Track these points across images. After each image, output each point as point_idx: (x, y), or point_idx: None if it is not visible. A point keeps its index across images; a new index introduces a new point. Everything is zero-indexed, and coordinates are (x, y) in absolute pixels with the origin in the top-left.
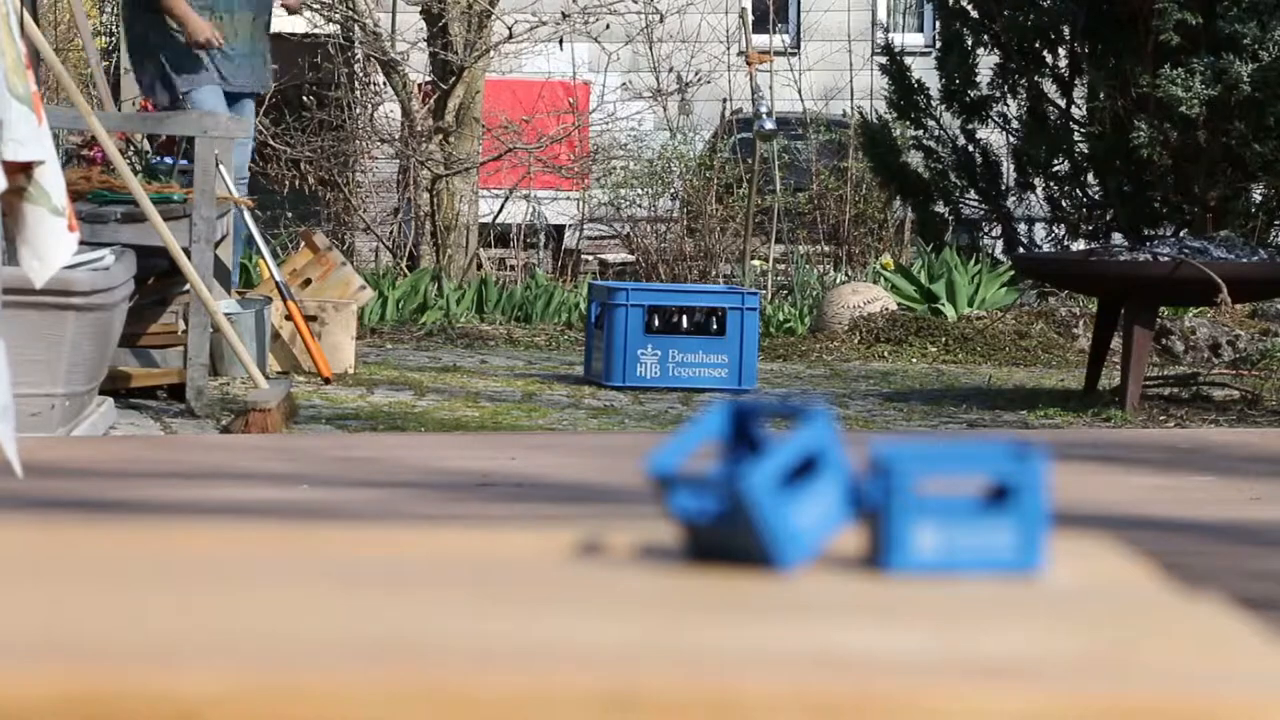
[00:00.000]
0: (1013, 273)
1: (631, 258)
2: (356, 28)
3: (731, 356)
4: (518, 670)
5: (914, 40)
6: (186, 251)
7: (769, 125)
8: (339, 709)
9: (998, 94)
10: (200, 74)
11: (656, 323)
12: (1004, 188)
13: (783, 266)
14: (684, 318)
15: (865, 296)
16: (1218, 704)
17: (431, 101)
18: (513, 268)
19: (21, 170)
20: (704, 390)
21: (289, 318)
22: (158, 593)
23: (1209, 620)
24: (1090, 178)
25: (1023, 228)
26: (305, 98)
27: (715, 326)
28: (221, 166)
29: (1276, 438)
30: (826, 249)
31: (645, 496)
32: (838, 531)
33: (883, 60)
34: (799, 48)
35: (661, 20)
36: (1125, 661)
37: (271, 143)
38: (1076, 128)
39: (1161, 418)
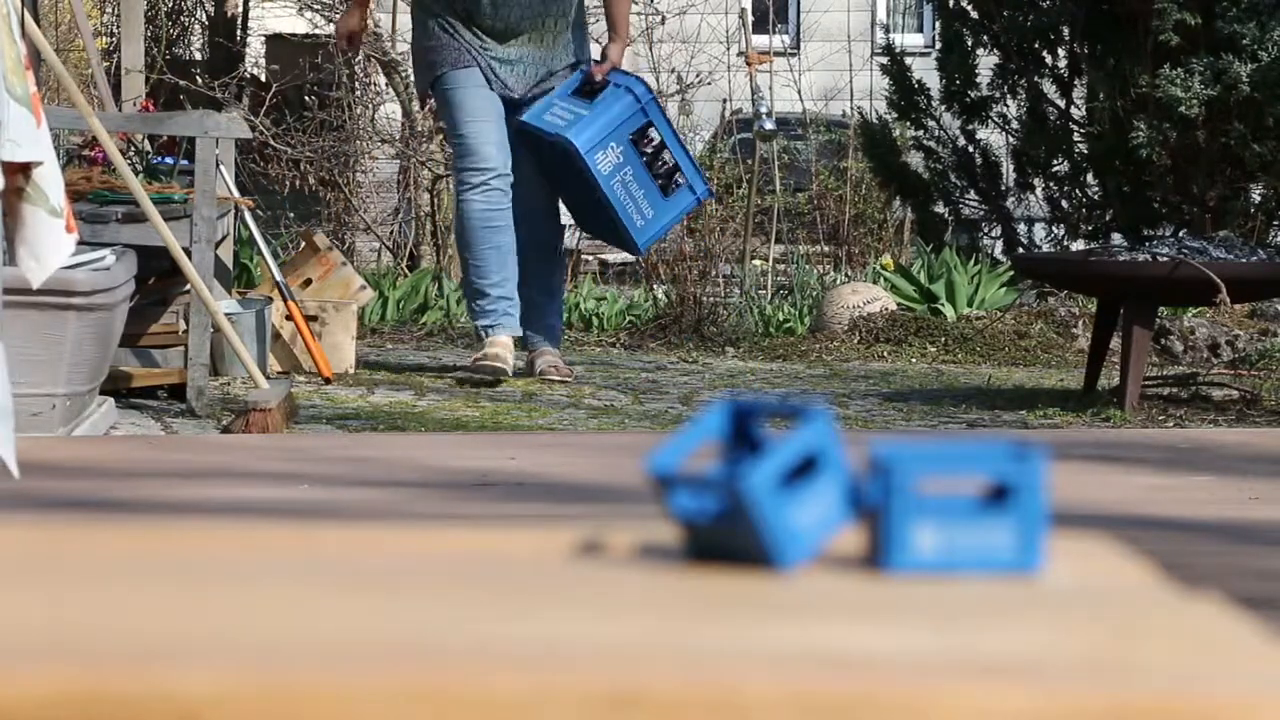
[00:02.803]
0: (1012, 273)
1: (631, 258)
2: None
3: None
4: (518, 670)
5: (914, 40)
6: (187, 251)
7: (769, 125)
8: (339, 709)
9: (997, 94)
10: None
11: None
12: (1004, 188)
13: (783, 266)
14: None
15: (865, 296)
16: (1217, 704)
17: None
18: None
19: (20, 171)
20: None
21: (289, 318)
22: (158, 592)
23: (1209, 620)
24: (1090, 178)
25: (1022, 228)
26: (306, 98)
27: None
28: (222, 166)
29: (1276, 438)
30: (826, 249)
31: (645, 496)
32: (838, 531)
33: (883, 60)
34: (799, 48)
35: (662, 21)
36: (1125, 661)
37: (272, 143)
38: (1076, 128)
39: (1161, 418)
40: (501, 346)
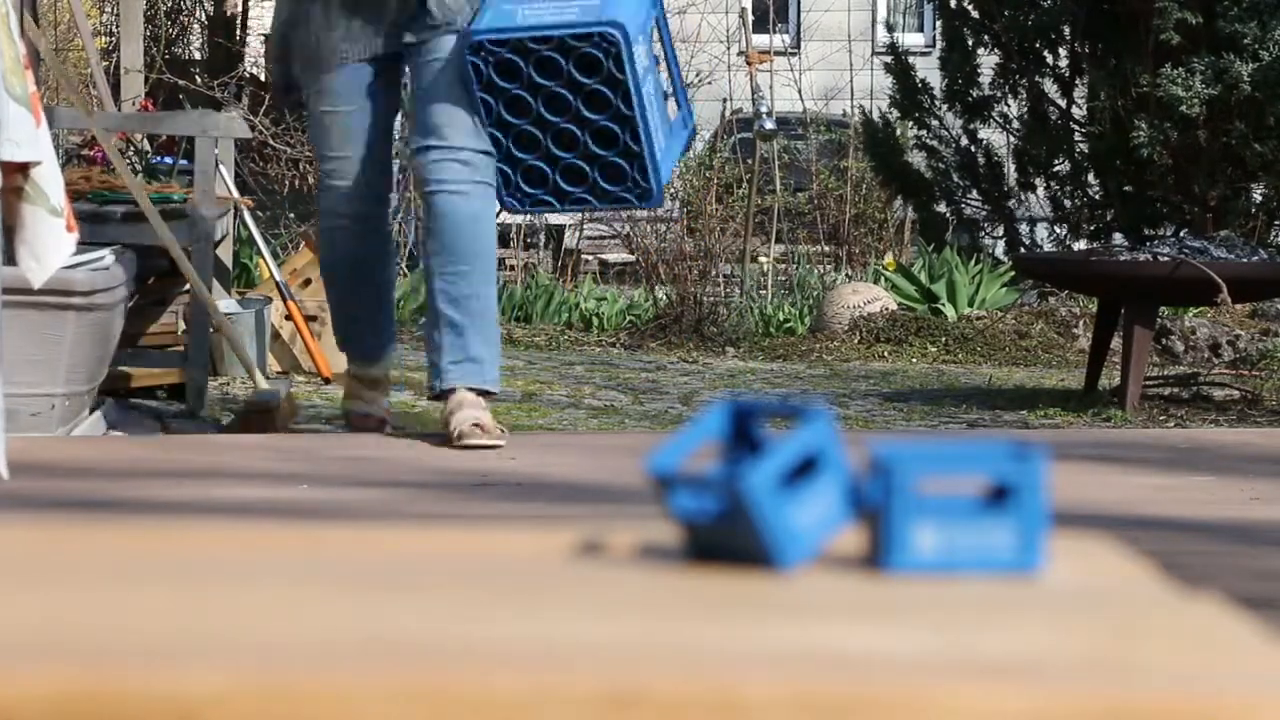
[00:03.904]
0: (1013, 273)
1: (631, 258)
2: None
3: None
4: (517, 670)
5: (914, 40)
6: (187, 251)
7: (769, 125)
8: (339, 709)
9: (998, 94)
10: None
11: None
12: (1006, 188)
13: (783, 266)
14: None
15: (865, 296)
16: (1217, 703)
17: None
18: (513, 268)
19: (19, 171)
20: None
21: (289, 318)
22: (158, 592)
23: (1209, 620)
24: (1091, 177)
25: (1024, 228)
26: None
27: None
28: (222, 166)
29: (1277, 437)
30: (826, 249)
31: (645, 496)
32: (838, 531)
33: (887, 60)
34: (799, 48)
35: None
36: (1125, 661)
37: (271, 143)
38: (1077, 127)
39: (1161, 418)
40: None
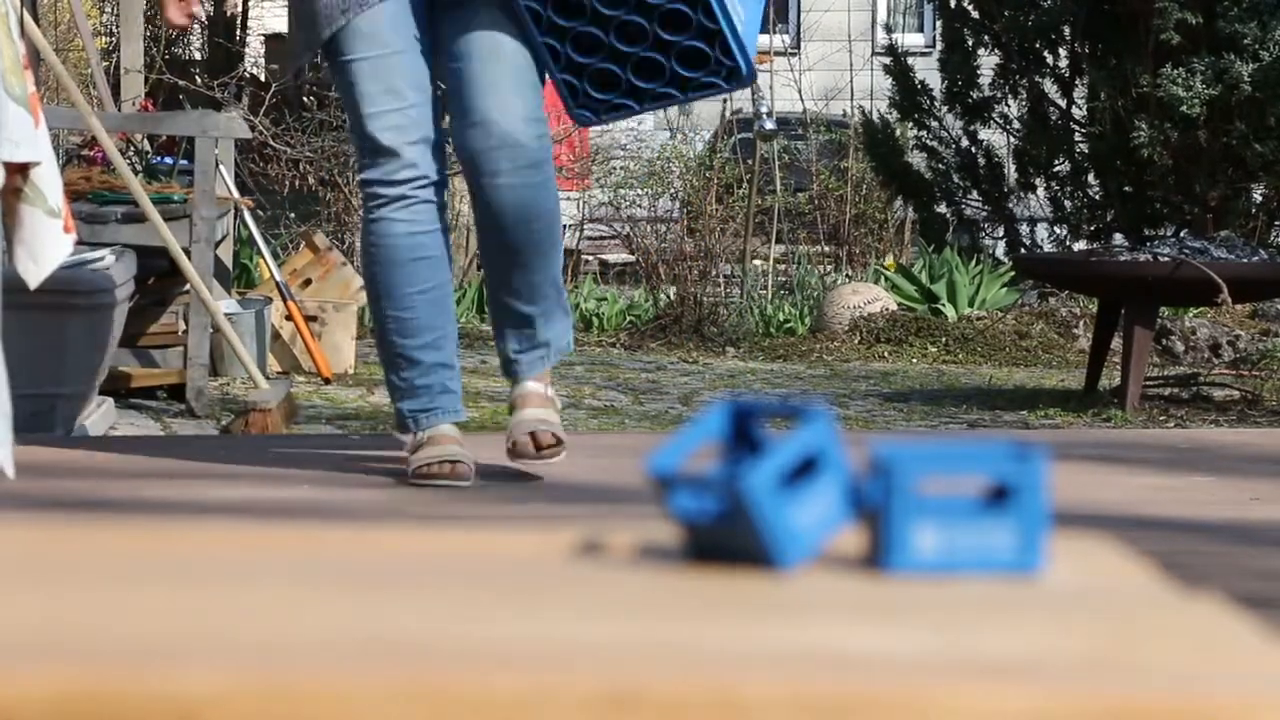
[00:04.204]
0: (1013, 273)
1: (631, 258)
2: None
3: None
4: (517, 670)
5: (914, 40)
6: (187, 251)
7: (769, 125)
8: (338, 709)
9: (999, 95)
10: None
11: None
12: (1006, 189)
13: (783, 266)
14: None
15: (865, 296)
16: (1217, 703)
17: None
18: None
19: (18, 171)
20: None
21: (289, 318)
22: (158, 592)
23: (1209, 620)
24: (1091, 178)
25: (1025, 228)
26: (305, 98)
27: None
28: (222, 167)
29: (1277, 438)
30: (827, 249)
31: (645, 496)
32: (838, 531)
33: (885, 60)
34: (799, 48)
35: None
36: (1125, 661)
37: (271, 143)
38: (1077, 128)
39: (1161, 418)
40: (447, 440)
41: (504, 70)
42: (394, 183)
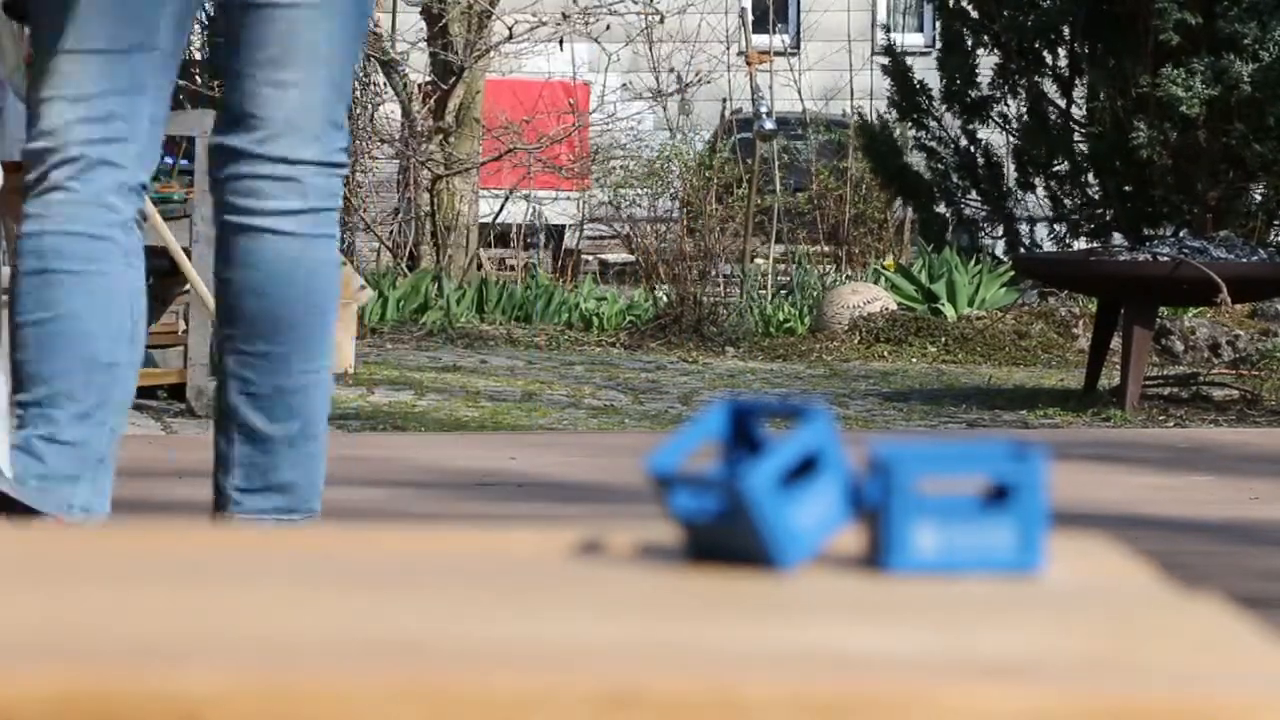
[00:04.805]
0: (1013, 273)
1: (631, 257)
2: None
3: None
4: (517, 670)
5: (914, 40)
6: (187, 251)
7: (769, 125)
8: (338, 709)
9: (998, 94)
10: None
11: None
12: (1006, 188)
13: (782, 266)
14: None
15: (865, 296)
16: (1217, 703)
17: (432, 102)
18: (513, 268)
19: (20, 170)
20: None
21: None
22: (158, 592)
23: (1209, 620)
24: (1090, 178)
25: (1024, 227)
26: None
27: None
28: None
29: (1276, 437)
30: (826, 249)
31: (645, 496)
32: (838, 531)
33: (884, 60)
34: (799, 48)
35: (661, 21)
36: (1125, 661)
37: None
38: (1076, 128)
39: (1161, 417)
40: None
41: (303, 56)
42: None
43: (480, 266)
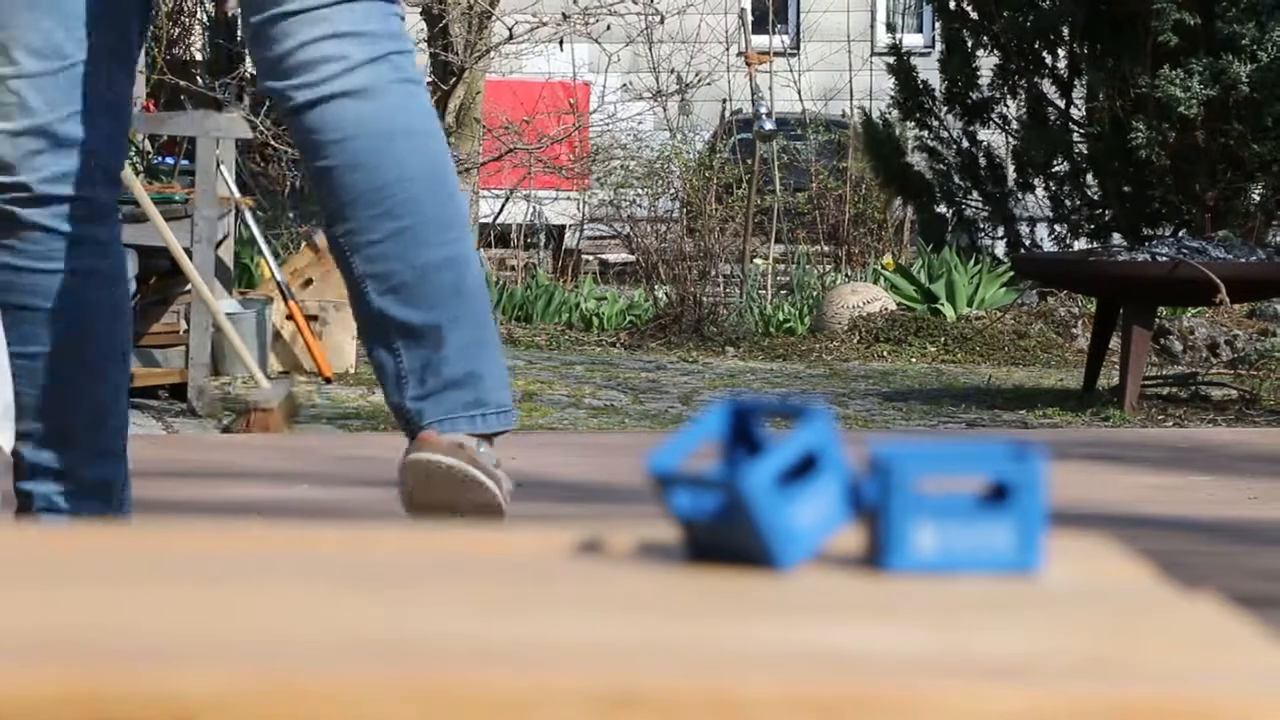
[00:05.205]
0: (1012, 273)
1: (632, 257)
2: None
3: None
4: (517, 669)
5: (913, 41)
6: (188, 251)
7: (768, 126)
8: (338, 709)
9: (998, 95)
10: None
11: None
12: (1006, 189)
13: (782, 266)
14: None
15: (865, 296)
16: (1216, 703)
17: (433, 103)
18: (513, 268)
19: None
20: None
21: (290, 318)
22: (157, 592)
23: (1208, 619)
24: (1090, 178)
25: (1024, 228)
26: None
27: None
28: (223, 166)
29: (1275, 437)
30: (826, 249)
31: (645, 496)
32: (837, 531)
33: (888, 60)
34: (798, 48)
35: (661, 21)
36: (1124, 660)
37: (272, 143)
38: (1076, 128)
39: (1160, 417)
40: None
41: None
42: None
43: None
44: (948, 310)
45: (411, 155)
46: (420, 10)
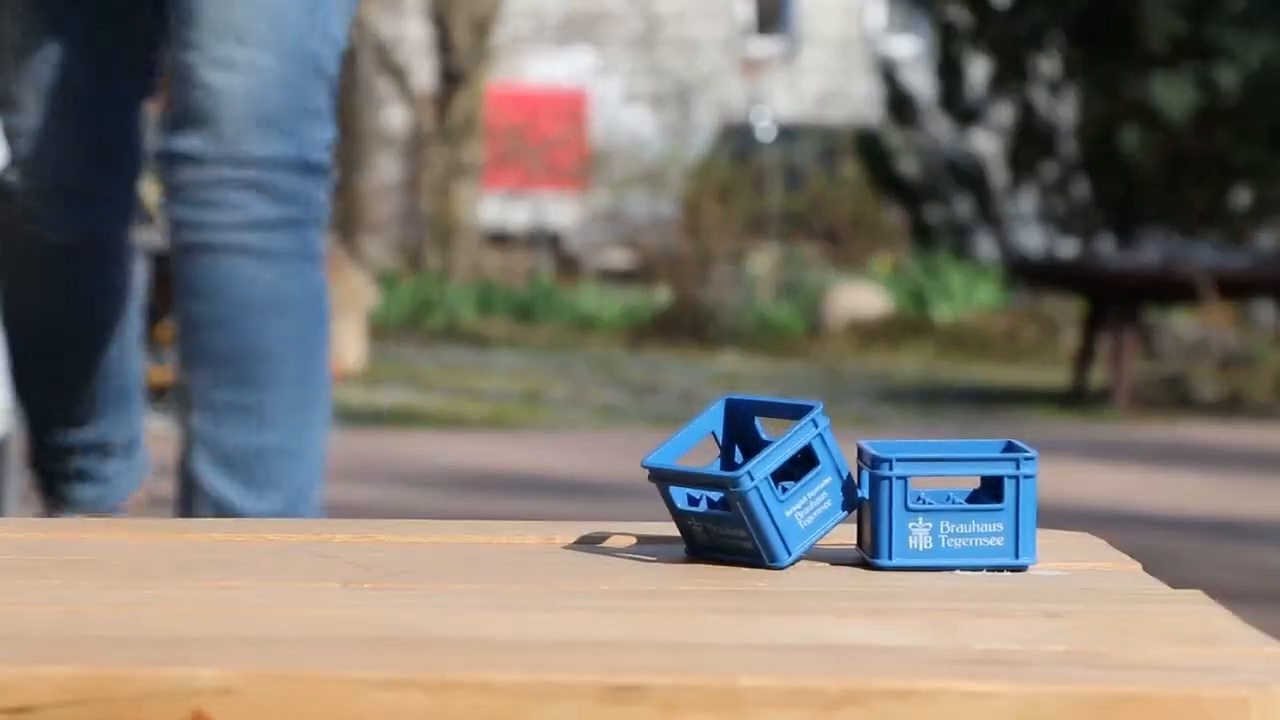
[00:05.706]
0: (1004, 275)
1: (632, 259)
2: (362, 34)
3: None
4: (519, 665)
5: (907, 48)
6: None
7: (766, 129)
8: (341, 704)
9: (990, 101)
10: None
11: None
12: (997, 193)
13: (780, 268)
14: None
15: (861, 298)
16: (1204, 695)
17: (437, 107)
18: (515, 269)
19: None
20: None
21: None
22: (159, 590)
23: (1195, 613)
24: (1080, 182)
25: (1015, 231)
26: None
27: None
28: None
29: (1261, 435)
30: (824, 251)
31: (645, 494)
32: (833, 528)
33: (880, 68)
34: (796, 55)
35: (661, 28)
36: (1114, 654)
37: None
38: (1067, 133)
39: (1149, 416)
40: None
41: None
42: None
43: (483, 268)
44: (941, 311)
45: (284, 332)
46: (426, 17)
